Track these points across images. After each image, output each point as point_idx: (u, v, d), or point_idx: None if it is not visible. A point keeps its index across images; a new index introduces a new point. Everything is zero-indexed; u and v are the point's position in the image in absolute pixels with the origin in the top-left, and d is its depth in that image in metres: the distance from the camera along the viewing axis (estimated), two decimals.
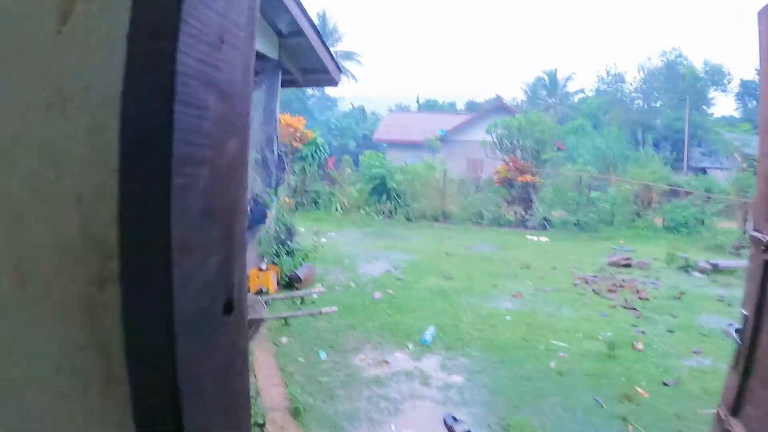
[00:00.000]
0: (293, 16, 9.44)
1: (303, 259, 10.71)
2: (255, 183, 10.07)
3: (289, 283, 9.88)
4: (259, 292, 9.18)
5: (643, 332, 8.80)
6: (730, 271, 14.77)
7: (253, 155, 10.35)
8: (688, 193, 25.07)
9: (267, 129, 10.30)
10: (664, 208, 24.21)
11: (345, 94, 68.27)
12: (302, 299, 8.91)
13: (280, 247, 10.02)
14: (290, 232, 10.67)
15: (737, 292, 12.68)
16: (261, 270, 9.50)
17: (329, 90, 66.96)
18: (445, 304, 9.69)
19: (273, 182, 10.24)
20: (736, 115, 63.94)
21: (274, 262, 9.82)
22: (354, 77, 63.52)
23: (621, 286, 12.19)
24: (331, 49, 41.57)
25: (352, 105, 62.49)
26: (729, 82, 50.79)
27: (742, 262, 15.95)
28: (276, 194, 10.46)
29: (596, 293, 11.41)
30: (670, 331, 9.00)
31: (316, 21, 55.19)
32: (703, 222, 23.53)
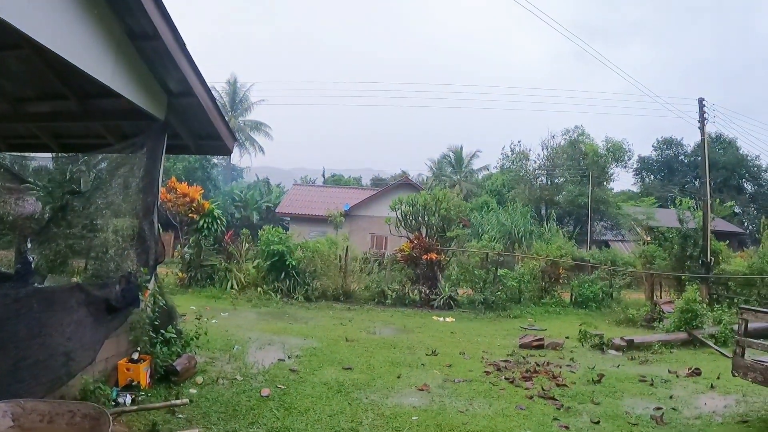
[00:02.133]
0: (183, 73, 8.46)
1: (184, 347, 9.39)
2: (129, 259, 8.83)
3: (165, 375, 8.56)
4: (128, 387, 7.91)
5: (566, 427, 7.88)
6: (646, 347, 14.55)
7: (128, 227, 9.16)
8: (594, 267, 25.26)
9: (146, 197, 9.10)
10: (572, 283, 24.32)
11: (251, 164, 67.24)
12: (171, 409, 7.55)
13: (156, 334, 8.71)
14: (170, 316, 9.37)
15: (657, 369, 12.22)
16: (132, 361, 8.20)
17: (236, 159, 65.93)
18: (343, 403, 8.52)
19: (150, 259, 9.00)
20: (635, 189, 66.65)
21: (147, 352, 8.50)
22: (261, 149, 62.94)
23: (536, 371, 11.39)
24: (240, 119, 41.31)
25: (258, 177, 61.61)
26: (629, 159, 52.55)
27: (657, 336, 15.68)
28: (153, 273, 9.21)
29: (510, 381, 10.51)
30: (596, 422, 8.12)
31: (226, 88, 54.88)
32: (611, 295, 23.88)
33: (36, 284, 10.53)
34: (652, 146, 74.93)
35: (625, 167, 53.54)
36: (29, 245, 12.89)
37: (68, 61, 6.59)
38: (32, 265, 11.67)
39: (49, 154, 16.24)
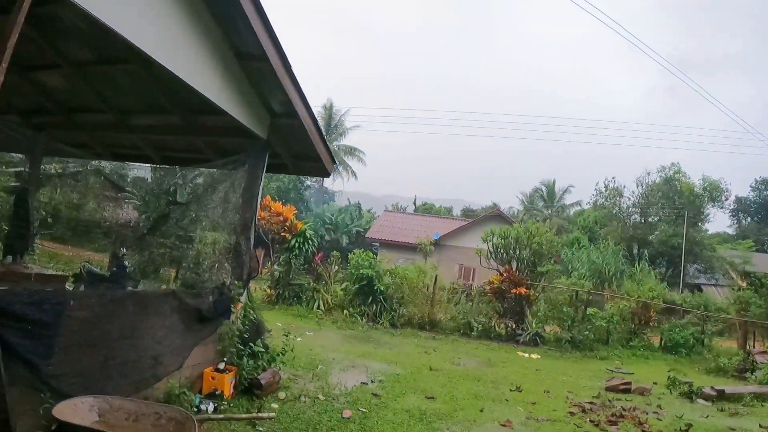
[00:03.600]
0: (288, 95, 8.64)
1: (269, 362, 9.50)
2: (223, 272, 9.03)
3: (248, 388, 8.65)
4: (211, 395, 8.04)
5: None
6: (737, 398, 13.74)
7: (225, 240, 9.39)
8: (685, 312, 24.30)
9: (245, 214, 9.32)
10: (662, 327, 23.54)
11: (344, 188, 67.96)
12: (253, 422, 7.61)
13: (244, 346, 8.84)
14: (258, 331, 9.51)
15: (748, 422, 11.59)
16: (217, 370, 8.32)
17: (328, 183, 66.83)
18: None
19: (244, 273, 9.17)
20: (731, 231, 63.80)
21: (234, 363, 8.62)
22: (354, 174, 63.48)
23: (622, 416, 10.98)
24: (335, 144, 41.86)
25: (349, 201, 62.15)
26: (726, 199, 50.57)
27: (749, 388, 14.90)
28: (246, 287, 9.38)
29: (595, 425, 10.17)
30: None
31: (322, 112, 55.83)
32: (702, 342, 22.85)
33: (130, 288, 10.88)
34: (750, 186, 71.62)
35: (721, 208, 51.52)
36: (125, 250, 13.37)
37: (176, 76, 6.82)
38: (127, 270, 12.06)
39: (147, 165, 16.80)
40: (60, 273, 11.98)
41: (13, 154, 18.32)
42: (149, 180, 23.15)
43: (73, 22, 6.92)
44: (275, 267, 22.60)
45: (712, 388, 14.13)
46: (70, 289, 9.93)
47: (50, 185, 19.91)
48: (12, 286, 7.72)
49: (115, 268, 11.96)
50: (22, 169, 16.11)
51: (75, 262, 18.38)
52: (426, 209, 68.32)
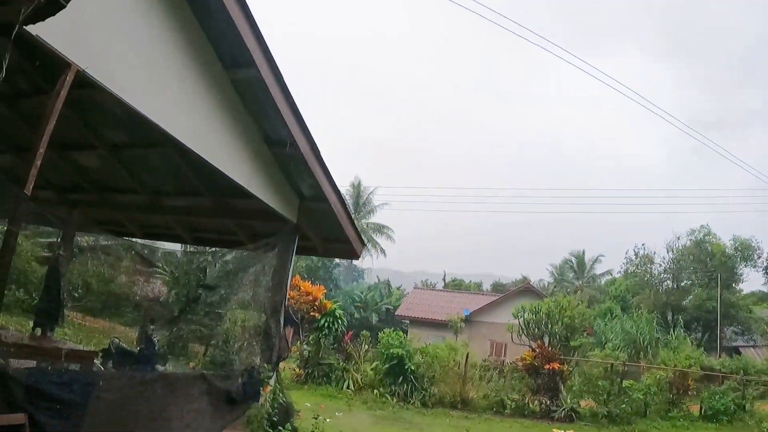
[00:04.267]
0: (317, 179, 8.83)
1: None
2: (253, 354, 9.06)
3: None
4: None
5: None
6: None
7: (255, 322, 9.46)
8: (725, 377, 23.63)
9: (275, 296, 9.42)
10: (701, 395, 22.76)
11: (373, 266, 67.91)
12: None
13: (273, 429, 8.79)
14: (287, 413, 9.46)
15: None
16: None
17: (357, 261, 66.92)
18: None
19: (274, 355, 9.20)
20: (766, 290, 62.21)
21: None
22: (383, 251, 63.54)
23: None
24: (363, 221, 41.98)
25: (378, 278, 62.10)
26: (759, 257, 49.58)
27: None
28: (276, 369, 9.38)
29: None
30: None
31: (350, 190, 56.13)
32: (744, 408, 22.08)
33: (159, 365, 10.90)
34: None
35: (754, 266, 50.50)
36: (153, 326, 13.45)
37: (208, 162, 7.04)
38: (156, 347, 12.10)
39: (178, 245, 16.95)
40: (89, 349, 12.07)
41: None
42: (179, 255, 23.40)
43: (109, 107, 7.20)
44: (304, 346, 22.51)
45: None
46: (99, 364, 10.00)
47: (81, 258, 20.18)
48: (41, 363, 7.81)
49: (144, 345, 12.02)
50: (55, 239, 16.37)
51: (104, 334, 18.51)
52: (456, 285, 68.02)
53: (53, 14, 3.64)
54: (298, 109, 7.69)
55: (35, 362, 7.40)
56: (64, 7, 3.58)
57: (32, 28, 4.22)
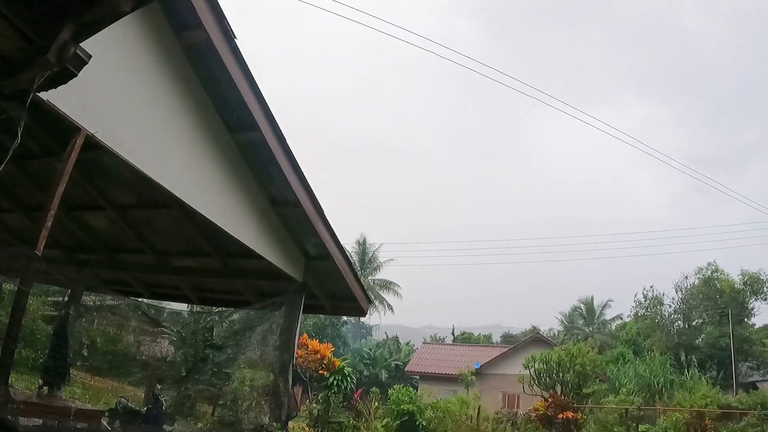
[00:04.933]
0: (322, 238, 8.93)
1: None
2: (262, 413, 9.04)
3: None
4: None
5: None
6: None
7: (264, 381, 9.47)
8: (743, 414, 23.24)
9: (283, 355, 9.43)
10: None
11: (380, 322, 67.53)
12: None
13: None
14: None
15: None
16: None
17: (365, 318, 66.59)
18: None
19: (283, 414, 9.17)
20: None
21: None
22: (391, 307, 63.29)
23: None
24: (369, 278, 41.84)
25: (387, 334, 61.76)
26: None
27: None
28: (285, 428, 9.34)
29: None
30: None
31: (355, 247, 56.13)
32: None
33: (166, 425, 10.86)
34: None
35: (765, 299, 50.11)
36: (161, 386, 13.39)
37: (214, 223, 7.16)
38: (163, 407, 12.06)
39: (184, 304, 16.94)
40: (97, 408, 12.02)
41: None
42: (186, 315, 23.39)
43: (117, 169, 7.35)
44: (314, 405, 22.34)
45: None
46: (106, 424, 9.96)
47: (89, 317, 20.16)
48: (49, 421, 7.80)
49: (151, 405, 11.97)
50: (62, 298, 16.40)
51: (111, 393, 18.39)
52: (465, 338, 67.62)
53: (65, 82, 3.78)
54: (301, 170, 7.84)
55: (42, 420, 7.40)
56: (76, 75, 3.71)
57: (44, 94, 4.37)
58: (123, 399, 12.55)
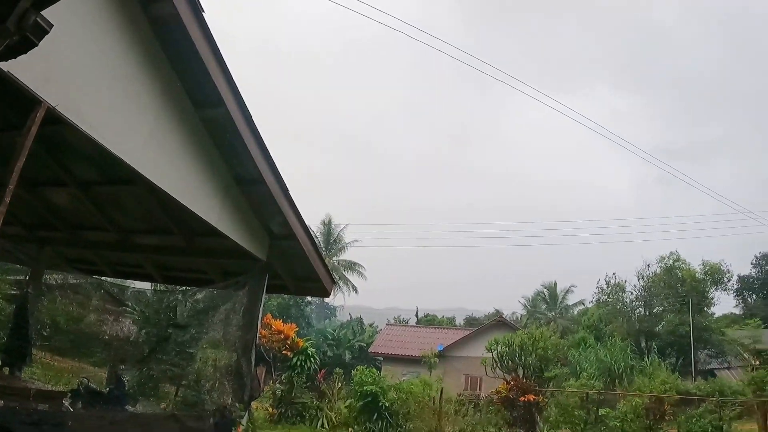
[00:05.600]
0: (286, 217, 8.85)
1: None
2: (225, 393, 8.98)
3: None
4: None
5: None
6: None
7: (227, 361, 9.39)
8: (701, 400, 23.76)
9: (246, 335, 9.35)
10: (679, 420, 22.89)
11: (345, 303, 67.50)
12: None
13: None
14: None
15: None
16: None
17: (329, 298, 66.47)
18: None
19: (246, 395, 9.11)
20: (737, 311, 62.93)
21: None
22: (355, 288, 63.32)
23: None
24: (334, 259, 41.82)
25: (351, 315, 61.77)
26: (729, 280, 50.41)
27: None
28: (248, 409, 9.30)
29: None
30: None
31: (321, 228, 55.87)
32: (722, 429, 22.28)
33: (129, 406, 10.75)
34: (751, 263, 70.80)
35: (725, 289, 51.22)
36: (123, 366, 13.25)
37: (178, 201, 7.06)
38: (126, 387, 11.94)
39: (148, 283, 16.75)
40: (58, 389, 11.85)
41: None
42: (149, 294, 23.11)
43: (79, 144, 7.19)
44: (277, 385, 22.31)
45: None
46: (68, 405, 9.83)
47: (50, 296, 19.86)
48: (10, 402, 7.68)
49: (113, 385, 11.84)
50: (23, 277, 16.11)
51: (73, 374, 18.17)
52: (428, 320, 67.90)
53: (25, 52, 3.68)
54: (266, 148, 7.74)
55: (3, 402, 7.28)
56: (36, 45, 3.62)
57: (4, 65, 4.25)
58: (85, 380, 12.38)
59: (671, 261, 50.10)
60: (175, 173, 7.04)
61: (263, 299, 9.97)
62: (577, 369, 32.99)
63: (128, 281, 18.17)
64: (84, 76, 5.51)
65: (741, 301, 69.02)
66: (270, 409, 21.98)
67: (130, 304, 25.91)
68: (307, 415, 21.61)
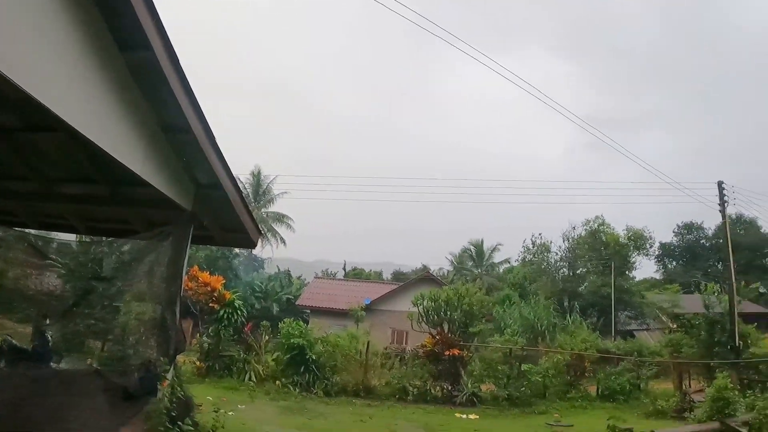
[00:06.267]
0: (212, 166, 8.58)
1: None
2: (149, 348, 8.77)
3: None
4: None
5: None
6: None
7: (150, 314, 9.15)
8: (620, 359, 24.61)
9: (170, 287, 9.12)
10: (598, 376, 23.75)
11: (273, 255, 67.06)
12: None
13: (172, 425, 8.52)
14: (187, 408, 9.20)
15: None
16: None
17: (257, 250, 65.92)
18: None
19: (171, 349, 8.91)
20: (657, 276, 65.56)
21: None
22: (283, 240, 62.96)
23: None
24: (263, 211, 41.33)
25: (279, 268, 61.53)
26: (651, 246, 52.24)
27: (688, 428, 15.18)
28: (173, 363, 9.10)
29: None
30: None
31: (249, 179, 55.02)
32: (639, 387, 23.21)
33: (53, 363, 10.47)
34: (673, 232, 74.06)
35: (647, 255, 53.28)
36: (48, 322, 12.86)
37: (100, 147, 6.73)
38: (50, 343, 11.61)
39: (73, 235, 16.27)
40: None
41: None
42: (75, 247, 22.40)
43: None
44: (204, 339, 22.04)
45: (652, 431, 14.31)
46: None
47: None
48: None
49: (37, 342, 11.48)
50: None
51: None
52: (356, 274, 68.32)
53: None
54: (194, 95, 7.46)
55: None
56: None
57: None
58: (8, 337, 11.97)
59: (596, 225, 51.56)
60: (98, 120, 6.71)
61: (188, 250, 9.73)
62: (502, 325, 33.63)
63: (53, 233, 17.56)
64: None
65: (661, 267, 72.01)
66: (197, 363, 21.71)
67: (55, 257, 25.07)
68: (235, 368, 21.42)
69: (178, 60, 7.01)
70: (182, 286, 9.49)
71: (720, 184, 28.62)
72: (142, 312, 9.84)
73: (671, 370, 25.39)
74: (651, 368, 24.82)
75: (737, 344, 23.92)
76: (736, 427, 14.81)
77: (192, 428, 8.92)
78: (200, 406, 10.43)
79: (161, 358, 8.65)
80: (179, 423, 8.64)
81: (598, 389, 23.40)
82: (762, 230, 65.76)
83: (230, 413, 13.35)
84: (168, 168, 8.44)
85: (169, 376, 8.93)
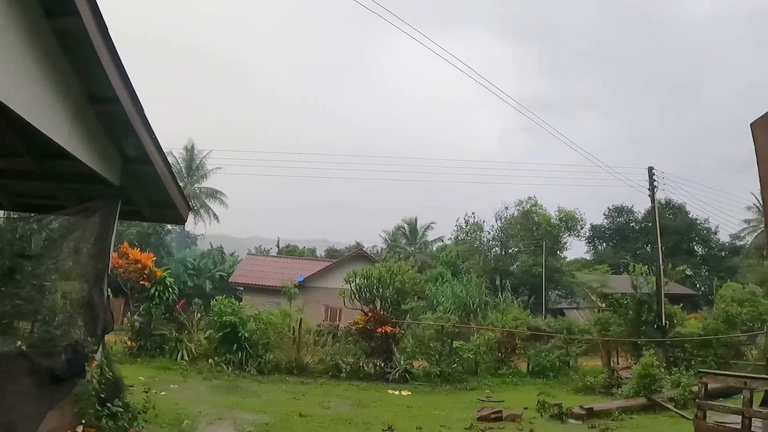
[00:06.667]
0: (140, 139, 8.30)
1: (131, 421, 8.94)
2: (76, 328, 8.48)
3: None
4: None
5: None
6: (605, 414, 14.32)
7: (77, 293, 8.85)
8: (550, 336, 25.20)
9: (97, 264, 8.82)
10: (528, 353, 24.30)
11: (206, 232, 66.17)
12: None
13: (102, 407, 8.28)
14: (116, 389, 8.95)
15: None
16: None
17: (190, 226, 64.96)
18: None
19: (99, 328, 8.64)
20: (588, 257, 67.32)
21: (92, 425, 8.05)
22: (216, 216, 62.23)
23: None
24: (196, 186, 40.64)
25: (212, 244, 60.78)
26: (582, 228, 53.23)
27: (616, 403, 15.56)
28: (101, 343, 8.83)
29: None
30: None
31: (183, 153, 53.97)
32: (568, 364, 23.89)
33: None
34: (604, 214, 75.71)
35: (577, 236, 54.34)
36: None
37: (23, 118, 6.41)
38: None
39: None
40: None
41: None
42: (1, 223, 21.63)
43: None
44: (135, 317, 21.61)
45: (581, 407, 14.63)
46: None
47: None
48: None
49: None
50: None
51: None
52: (290, 251, 68.02)
53: None
54: (122, 65, 7.18)
55: None
56: None
57: None
58: None
59: (529, 205, 52.19)
60: (20, 89, 6.38)
61: (116, 226, 9.44)
62: (434, 303, 33.98)
63: None
64: None
65: (592, 248, 73.81)
66: (129, 342, 21.26)
67: None
68: (167, 347, 21.06)
69: (107, 27, 6.73)
70: (110, 264, 9.21)
71: (650, 169, 29.40)
72: (69, 291, 9.49)
73: (600, 347, 26.12)
74: (580, 346, 25.50)
75: (663, 323, 24.76)
76: (662, 403, 15.31)
77: (122, 409, 8.67)
78: (131, 386, 10.18)
79: (89, 339, 8.38)
80: (109, 405, 8.40)
81: (528, 366, 23.88)
82: (690, 215, 68.01)
83: (162, 393, 13.10)
84: (95, 141, 8.14)
85: (98, 356, 8.66)
